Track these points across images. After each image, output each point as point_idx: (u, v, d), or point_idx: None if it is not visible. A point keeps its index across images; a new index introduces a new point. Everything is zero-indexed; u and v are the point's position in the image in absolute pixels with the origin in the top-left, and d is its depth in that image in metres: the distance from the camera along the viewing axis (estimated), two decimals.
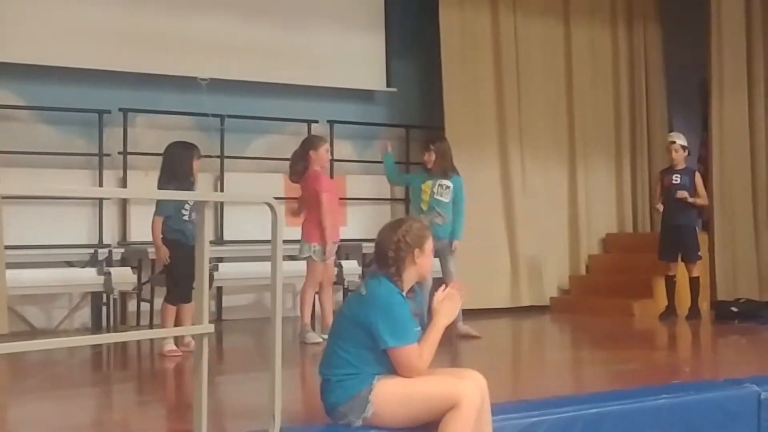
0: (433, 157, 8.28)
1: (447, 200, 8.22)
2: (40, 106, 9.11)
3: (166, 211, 7.20)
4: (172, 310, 7.26)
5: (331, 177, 9.92)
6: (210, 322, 4.11)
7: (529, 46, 11.03)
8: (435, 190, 8.21)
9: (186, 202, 7.19)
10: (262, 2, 10.12)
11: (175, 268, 7.25)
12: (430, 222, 8.11)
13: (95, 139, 9.26)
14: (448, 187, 8.23)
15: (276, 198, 4.27)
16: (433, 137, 8.80)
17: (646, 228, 11.67)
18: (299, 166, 8.00)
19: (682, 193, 9.45)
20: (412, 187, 8.60)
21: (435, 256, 7.98)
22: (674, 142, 9.70)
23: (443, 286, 4.54)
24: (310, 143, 8.07)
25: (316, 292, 8.24)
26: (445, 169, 8.28)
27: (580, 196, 11.29)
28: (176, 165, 7.33)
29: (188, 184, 7.26)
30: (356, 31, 10.65)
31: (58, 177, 8.91)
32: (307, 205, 7.94)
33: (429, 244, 4.45)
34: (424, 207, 8.21)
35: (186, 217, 7.20)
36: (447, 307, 4.40)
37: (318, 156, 7.95)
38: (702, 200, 9.69)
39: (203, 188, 9.31)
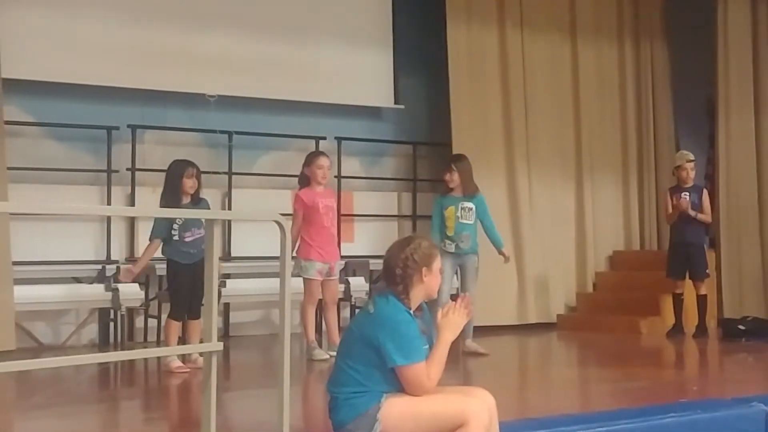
0: (456, 176, 8.24)
1: (471, 222, 8.20)
2: (49, 122, 9.14)
3: (160, 234, 7.29)
4: (175, 325, 7.33)
5: (338, 193, 9.95)
6: (218, 338, 4.12)
7: (536, 64, 11.05)
8: (459, 214, 8.17)
9: (174, 222, 7.25)
10: (270, 19, 10.14)
11: (170, 285, 7.43)
12: (456, 246, 8.16)
13: (104, 156, 9.29)
14: (471, 209, 8.19)
15: (283, 215, 4.29)
16: (454, 156, 8.77)
17: (653, 245, 11.65)
18: (301, 182, 8.08)
19: (689, 207, 9.42)
20: (435, 212, 8.37)
21: (456, 273, 8.10)
22: (691, 161, 9.68)
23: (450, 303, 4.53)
24: (305, 160, 8.13)
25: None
26: (468, 188, 8.25)
27: (587, 213, 11.29)
28: (167, 182, 7.42)
29: (176, 201, 7.28)
30: (364, 48, 10.67)
31: (66, 193, 8.93)
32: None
33: (437, 263, 4.44)
34: (450, 233, 8.12)
35: (176, 237, 7.25)
36: (451, 321, 4.38)
37: (311, 171, 7.99)
38: (705, 216, 9.67)
39: (210, 205, 9.33)
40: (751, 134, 11.03)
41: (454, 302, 4.46)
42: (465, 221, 8.17)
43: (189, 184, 7.37)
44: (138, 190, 9.35)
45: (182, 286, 7.26)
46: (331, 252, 8.00)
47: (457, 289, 8.42)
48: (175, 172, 7.40)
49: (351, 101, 10.59)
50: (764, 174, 11.00)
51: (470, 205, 8.21)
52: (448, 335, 4.36)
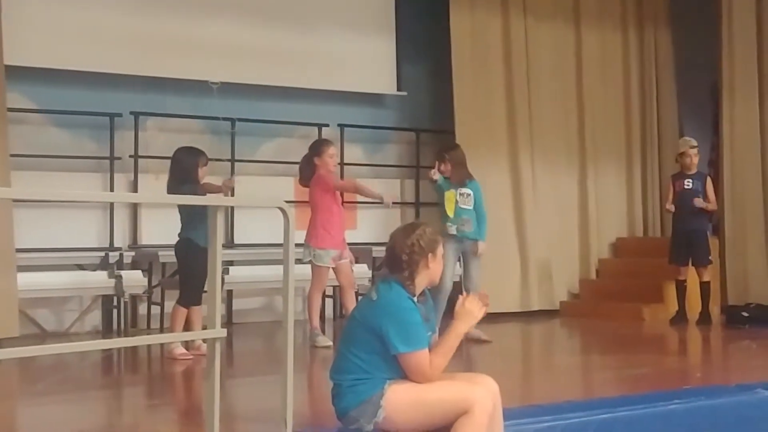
0: (449, 166, 8.27)
1: (470, 207, 8.23)
2: (52, 109, 9.14)
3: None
4: (183, 312, 7.28)
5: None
6: (221, 325, 4.12)
7: (540, 50, 11.02)
8: (458, 198, 8.19)
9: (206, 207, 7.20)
10: (273, 6, 10.12)
11: (185, 269, 7.30)
12: (458, 229, 8.17)
13: (106, 143, 9.28)
14: (469, 195, 8.23)
15: (286, 201, 4.29)
16: (445, 146, 8.77)
17: (656, 232, 11.65)
18: (306, 171, 8.06)
19: (700, 202, 9.43)
20: (438, 193, 8.45)
21: (458, 260, 8.11)
22: (694, 147, 9.66)
23: (464, 293, 4.54)
24: (314, 149, 8.13)
25: (328, 296, 8.26)
26: (462, 176, 8.27)
27: (590, 201, 11.28)
28: (186, 171, 7.34)
29: (196, 190, 7.26)
30: (367, 35, 10.65)
31: (69, 180, 8.93)
32: (311, 208, 8.00)
33: (440, 250, 4.45)
34: (451, 215, 8.17)
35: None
36: (468, 312, 4.37)
37: (322, 161, 7.98)
38: (712, 205, 9.68)
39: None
40: (755, 120, 10.99)
41: (471, 294, 4.45)
42: (464, 206, 8.20)
43: (202, 173, 7.36)
44: (141, 176, 9.35)
45: (200, 272, 7.08)
46: (342, 238, 8.05)
47: (460, 276, 8.41)
48: (191, 162, 7.36)
49: (354, 88, 10.58)
50: None
51: (468, 191, 8.24)
52: (461, 326, 4.35)
